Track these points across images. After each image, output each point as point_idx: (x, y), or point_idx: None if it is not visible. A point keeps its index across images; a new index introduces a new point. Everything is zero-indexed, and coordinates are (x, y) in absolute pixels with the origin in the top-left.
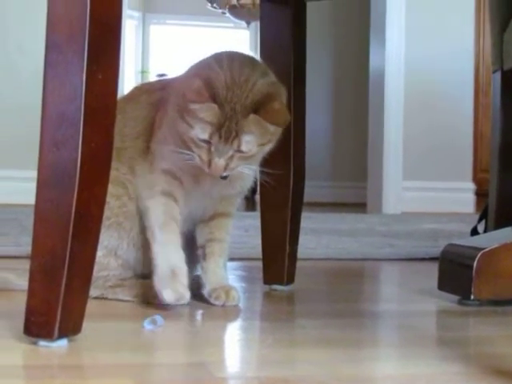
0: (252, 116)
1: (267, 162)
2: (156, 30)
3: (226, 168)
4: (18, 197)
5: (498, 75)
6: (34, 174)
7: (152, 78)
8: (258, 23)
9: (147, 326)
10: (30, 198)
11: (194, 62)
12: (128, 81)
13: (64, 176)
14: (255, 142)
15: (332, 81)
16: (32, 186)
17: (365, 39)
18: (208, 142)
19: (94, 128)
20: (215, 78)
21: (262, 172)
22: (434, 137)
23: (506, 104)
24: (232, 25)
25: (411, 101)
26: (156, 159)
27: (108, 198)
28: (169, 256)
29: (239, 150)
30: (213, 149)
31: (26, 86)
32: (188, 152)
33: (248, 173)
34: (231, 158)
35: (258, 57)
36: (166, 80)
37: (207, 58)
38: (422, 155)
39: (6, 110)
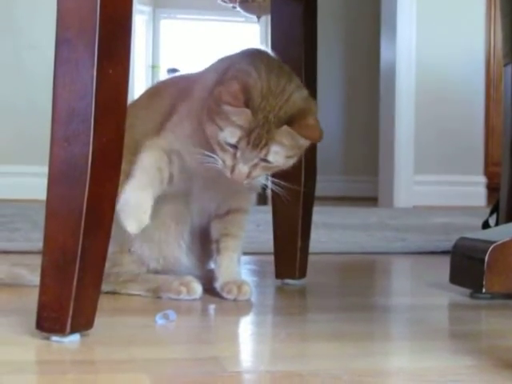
0: (285, 127)
1: None
2: (166, 25)
3: (248, 176)
4: (30, 192)
5: (510, 68)
6: (45, 169)
7: (163, 72)
8: (269, 17)
9: (159, 320)
10: (41, 194)
11: (219, 56)
12: (138, 76)
13: (75, 171)
14: (283, 154)
15: (343, 75)
16: (43, 182)
17: (376, 33)
18: (235, 147)
19: (105, 123)
20: (252, 85)
21: (272, 182)
22: (446, 130)
23: None
24: (243, 19)
25: (422, 95)
26: (167, 136)
27: None
28: (138, 192)
29: (265, 160)
30: (238, 154)
31: (37, 82)
32: (211, 154)
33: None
34: (255, 166)
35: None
36: (187, 74)
37: (242, 61)
38: (433, 149)
39: (16, 106)
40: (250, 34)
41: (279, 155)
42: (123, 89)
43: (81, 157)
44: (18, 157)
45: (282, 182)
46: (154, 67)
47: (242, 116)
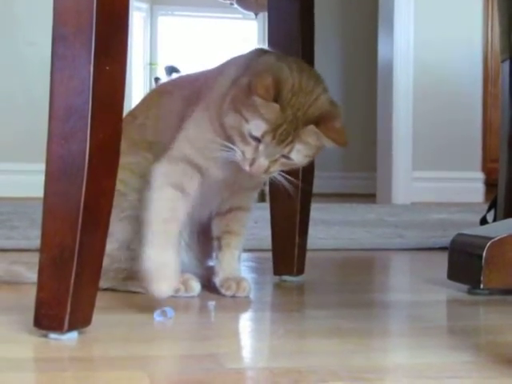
0: (312, 127)
1: None
2: (164, 22)
3: (266, 170)
4: (27, 190)
5: (507, 64)
6: (42, 166)
7: (160, 70)
8: (266, 14)
9: (157, 317)
10: (38, 191)
11: (233, 55)
12: (136, 73)
13: (72, 168)
14: (304, 153)
15: (341, 72)
16: (41, 179)
17: (374, 29)
18: (258, 140)
19: (102, 120)
20: (284, 81)
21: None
22: (443, 127)
23: None
24: (240, 16)
25: (420, 91)
26: (180, 144)
27: (127, 190)
28: (163, 254)
29: (287, 156)
30: (261, 148)
31: (36, 79)
32: (229, 145)
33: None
34: (275, 161)
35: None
36: (199, 73)
37: (271, 58)
38: (431, 145)
39: (15, 103)
40: (247, 30)
41: (301, 153)
42: (120, 85)
43: (78, 154)
44: (16, 154)
45: (288, 177)
46: (152, 64)
47: (271, 110)
